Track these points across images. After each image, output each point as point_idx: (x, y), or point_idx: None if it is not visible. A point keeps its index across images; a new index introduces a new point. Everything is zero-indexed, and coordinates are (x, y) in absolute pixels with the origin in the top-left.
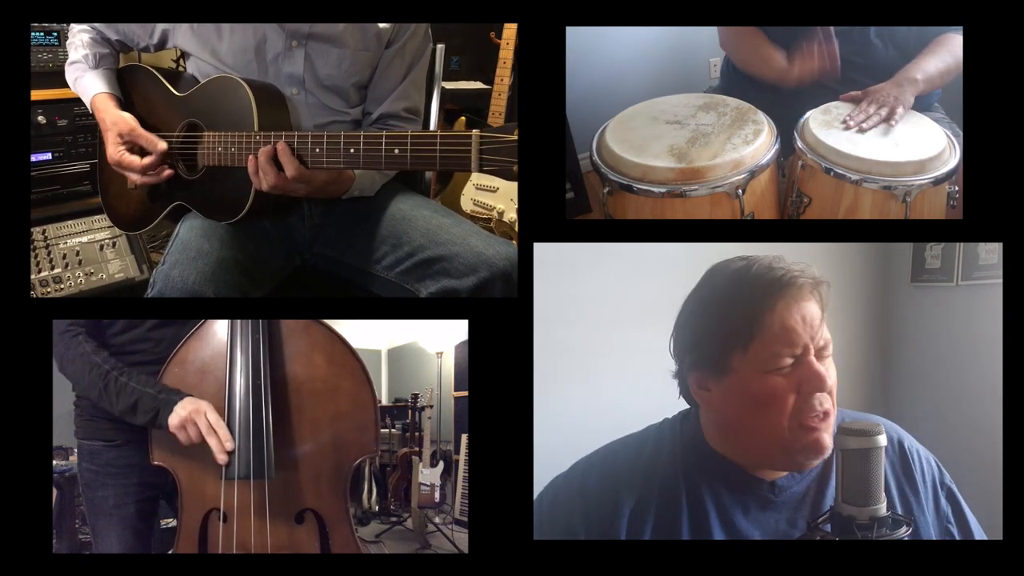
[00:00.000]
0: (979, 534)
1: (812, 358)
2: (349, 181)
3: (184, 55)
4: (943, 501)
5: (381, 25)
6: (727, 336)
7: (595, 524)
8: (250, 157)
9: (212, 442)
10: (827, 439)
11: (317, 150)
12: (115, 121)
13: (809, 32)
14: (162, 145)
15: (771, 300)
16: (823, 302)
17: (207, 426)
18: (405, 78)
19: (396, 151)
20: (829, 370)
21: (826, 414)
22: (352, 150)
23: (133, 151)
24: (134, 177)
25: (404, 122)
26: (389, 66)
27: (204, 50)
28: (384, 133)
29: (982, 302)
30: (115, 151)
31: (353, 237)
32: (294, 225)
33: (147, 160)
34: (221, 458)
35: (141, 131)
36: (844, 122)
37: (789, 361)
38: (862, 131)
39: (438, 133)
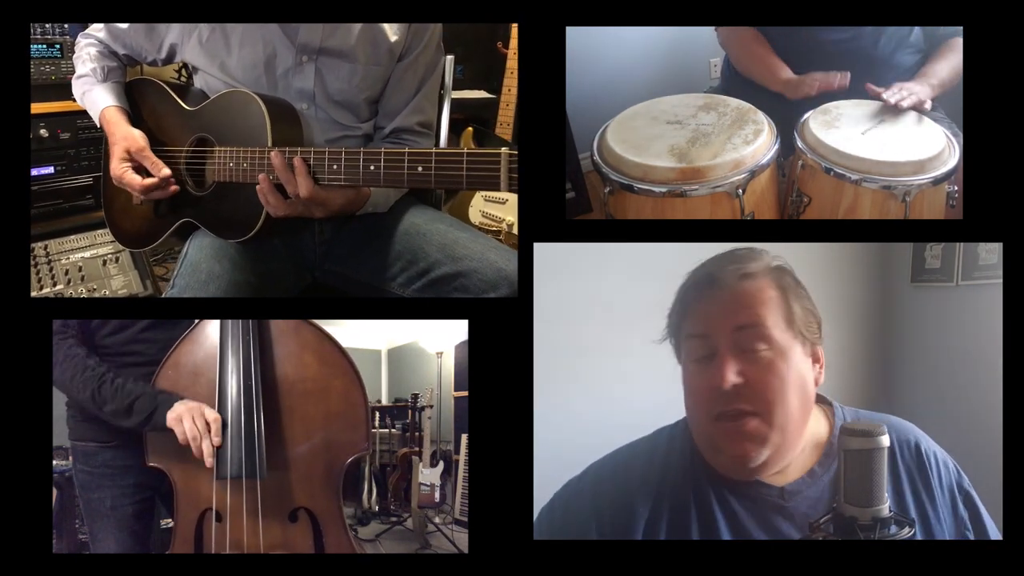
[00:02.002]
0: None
1: (724, 353)
2: (364, 198)
3: (192, 69)
4: (961, 506)
5: (392, 38)
6: (676, 331)
7: (609, 533)
8: (259, 181)
9: (205, 447)
10: (745, 447)
11: (334, 167)
12: (125, 136)
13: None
14: (165, 171)
15: (690, 291)
16: (784, 296)
17: (204, 427)
18: (418, 91)
19: (420, 169)
20: (769, 370)
21: (751, 428)
22: (372, 167)
23: (137, 170)
24: (136, 194)
25: (418, 136)
26: (402, 79)
27: (213, 65)
28: (407, 150)
29: (982, 302)
30: (119, 167)
31: (366, 254)
32: (304, 242)
33: (148, 181)
34: (208, 462)
35: (149, 153)
36: (883, 100)
37: (704, 352)
38: (900, 109)
39: (464, 151)
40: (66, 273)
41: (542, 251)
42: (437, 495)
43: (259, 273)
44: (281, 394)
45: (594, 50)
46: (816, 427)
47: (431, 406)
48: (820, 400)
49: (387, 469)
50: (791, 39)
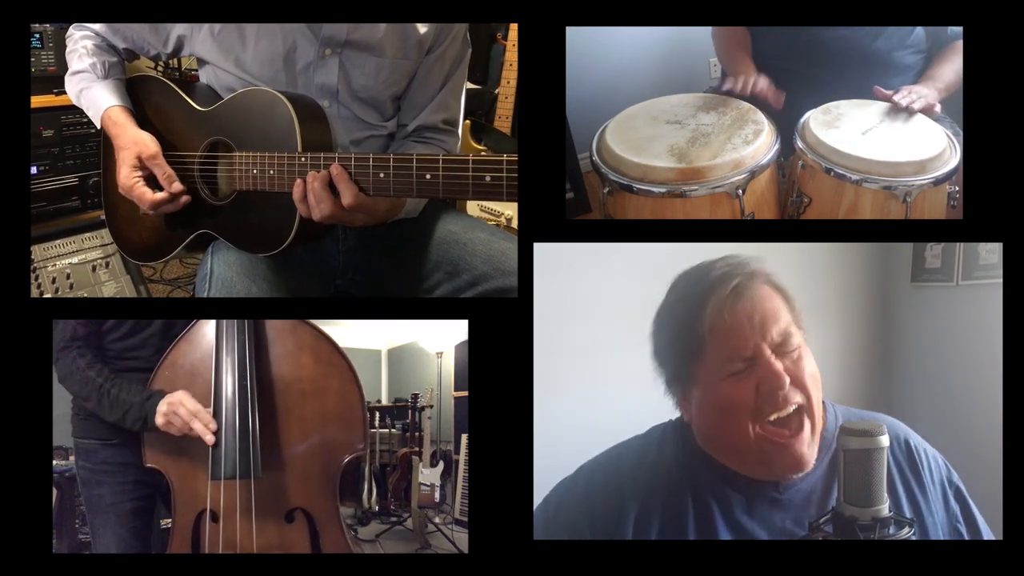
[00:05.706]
0: (987, 534)
1: (769, 357)
2: (401, 204)
3: (200, 63)
4: (952, 500)
5: (422, 30)
6: (682, 349)
7: (601, 529)
8: (297, 182)
9: (197, 427)
10: (802, 451)
11: (382, 175)
12: (136, 141)
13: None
14: (177, 186)
15: (705, 305)
16: (783, 294)
17: (188, 414)
18: (444, 87)
19: (488, 179)
20: (800, 363)
21: (799, 424)
22: (428, 176)
23: (149, 180)
24: (144, 208)
25: (443, 134)
26: (428, 74)
27: (227, 59)
28: (471, 156)
29: (982, 302)
30: (130, 177)
31: (396, 262)
32: (328, 250)
33: (159, 197)
34: (208, 439)
35: (162, 161)
36: (893, 103)
37: (741, 365)
38: (911, 112)
39: None
40: (53, 281)
41: (542, 251)
42: (437, 495)
43: (291, 289)
44: (277, 394)
45: (594, 50)
46: None
47: (431, 406)
48: None
49: (387, 469)
50: (788, 38)
